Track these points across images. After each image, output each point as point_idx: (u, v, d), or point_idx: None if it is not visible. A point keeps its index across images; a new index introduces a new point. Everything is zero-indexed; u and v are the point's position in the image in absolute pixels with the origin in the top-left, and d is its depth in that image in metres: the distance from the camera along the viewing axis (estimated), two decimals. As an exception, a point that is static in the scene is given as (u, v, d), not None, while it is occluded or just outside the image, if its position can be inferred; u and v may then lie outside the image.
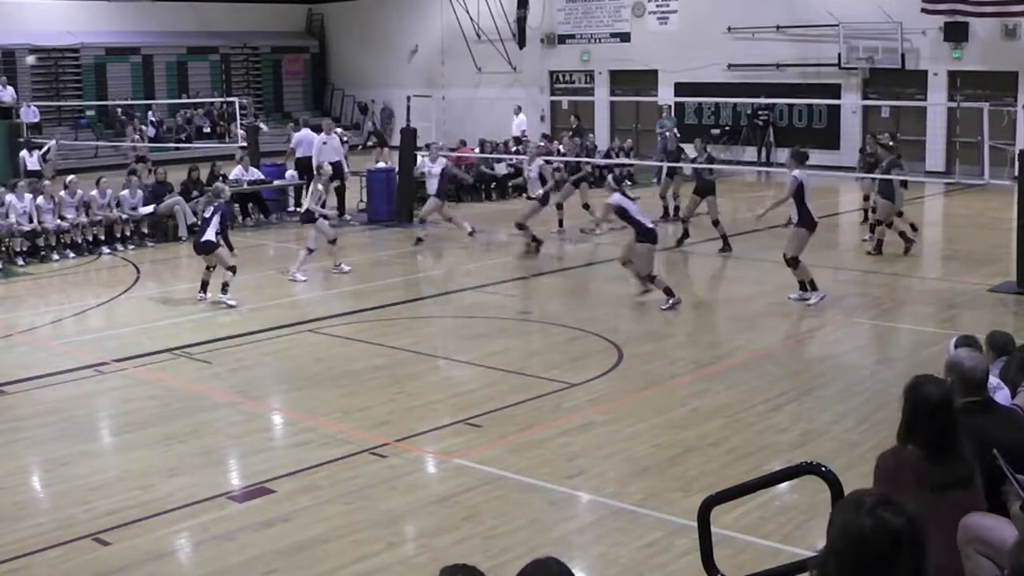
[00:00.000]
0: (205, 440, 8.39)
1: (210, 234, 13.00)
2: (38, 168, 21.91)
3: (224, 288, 12.91)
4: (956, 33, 25.14)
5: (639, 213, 12.86)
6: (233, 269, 13.01)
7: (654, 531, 6.56)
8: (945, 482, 4.10)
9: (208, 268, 13.26)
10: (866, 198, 17.83)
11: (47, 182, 17.55)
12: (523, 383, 9.74)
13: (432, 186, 17.44)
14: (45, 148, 23.60)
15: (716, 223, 16.43)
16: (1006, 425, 4.71)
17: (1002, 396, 5.40)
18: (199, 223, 13.42)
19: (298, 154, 21.38)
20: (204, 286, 13.23)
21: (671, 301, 12.44)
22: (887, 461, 4.25)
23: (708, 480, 7.08)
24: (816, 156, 26.20)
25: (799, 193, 12.44)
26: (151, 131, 30.94)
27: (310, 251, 14.71)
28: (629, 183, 24.89)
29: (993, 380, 5.61)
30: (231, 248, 13.38)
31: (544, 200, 16.65)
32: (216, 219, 13.05)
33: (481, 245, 17.39)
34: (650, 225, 12.84)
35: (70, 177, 17.75)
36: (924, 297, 13.43)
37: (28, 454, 8.24)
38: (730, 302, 13.33)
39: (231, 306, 12.80)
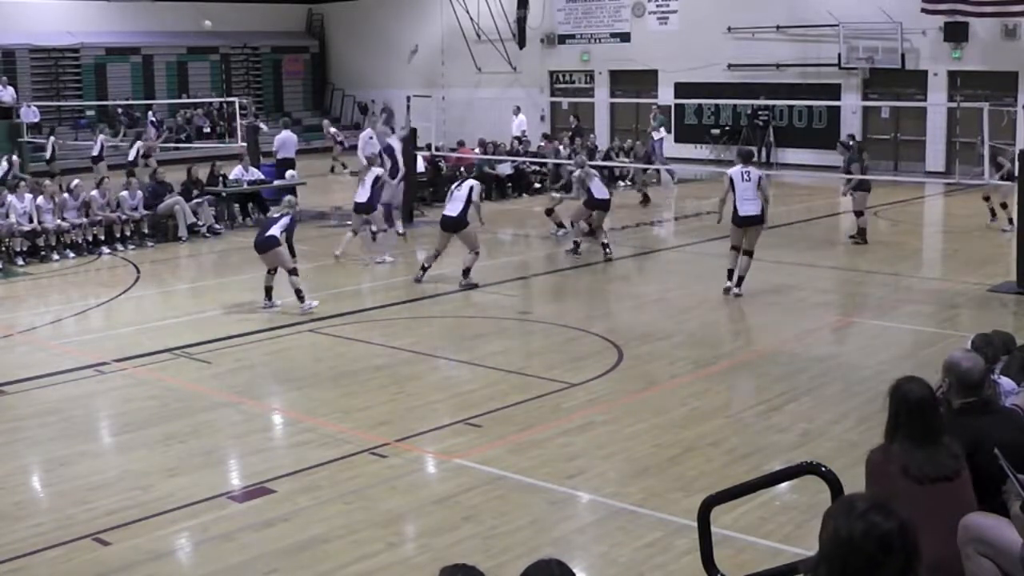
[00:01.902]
0: (205, 440, 8.39)
1: (274, 230, 12.46)
2: (133, 159, 23.04)
3: (299, 296, 12.35)
4: (956, 33, 25.14)
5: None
6: (295, 271, 12.49)
7: (654, 531, 6.55)
8: (930, 475, 4.23)
9: (270, 272, 12.62)
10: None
11: (47, 182, 17.56)
12: (523, 383, 9.74)
13: (598, 190, 15.89)
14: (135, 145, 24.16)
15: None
16: (1006, 425, 4.71)
17: (1018, 399, 5.33)
18: (264, 223, 12.82)
19: (280, 155, 21.42)
20: (268, 292, 12.63)
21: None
22: (876, 456, 4.41)
23: (708, 480, 7.08)
24: (816, 156, 26.49)
25: (732, 188, 12.99)
26: (151, 131, 30.93)
27: (375, 232, 16.14)
28: (629, 183, 24.96)
29: (1009, 383, 5.59)
30: (293, 255, 12.83)
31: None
32: (285, 221, 12.56)
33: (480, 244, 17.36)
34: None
35: (75, 180, 17.76)
36: (924, 297, 13.42)
37: (28, 454, 8.24)
38: (729, 302, 13.31)
39: (313, 308, 12.33)
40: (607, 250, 15.77)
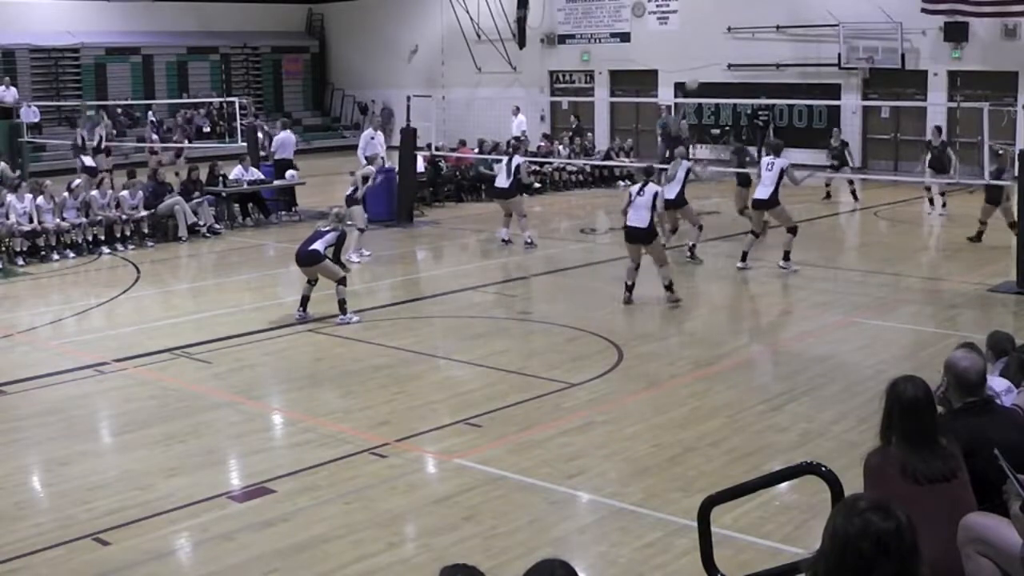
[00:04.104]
0: (205, 440, 8.39)
1: (318, 245, 12.00)
2: (94, 166, 22.80)
3: (342, 307, 12.06)
4: (956, 33, 25.12)
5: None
6: (343, 281, 12.14)
7: (654, 531, 6.55)
8: (927, 475, 4.21)
9: (309, 282, 12.21)
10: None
11: (48, 182, 17.57)
12: (523, 383, 9.74)
13: (667, 189, 14.95)
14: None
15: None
16: (1006, 425, 4.71)
17: (1018, 399, 5.33)
18: (310, 235, 12.38)
19: (277, 156, 21.37)
20: (304, 302, 12.20)
21: None
22: (873, 459, 4.37)
23: (708, 480, 7.08)
24: (816, 156, 26.43)
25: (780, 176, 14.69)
26: (151, 131, 30.96)
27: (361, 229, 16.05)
28: (628, 182, 24.94)
29: (1003, 383, 5.58)
30: (343, 268, 12.52)
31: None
32: (331, 236, 12.09)
33: (480, 244, 17.38)
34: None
35: (76, 180, 17.77)
36: (924, 297, 13.43)
37: (28, 454, 8.24)
38: (730, 302, 13.33)
39: (352, 322, 12.01)
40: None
